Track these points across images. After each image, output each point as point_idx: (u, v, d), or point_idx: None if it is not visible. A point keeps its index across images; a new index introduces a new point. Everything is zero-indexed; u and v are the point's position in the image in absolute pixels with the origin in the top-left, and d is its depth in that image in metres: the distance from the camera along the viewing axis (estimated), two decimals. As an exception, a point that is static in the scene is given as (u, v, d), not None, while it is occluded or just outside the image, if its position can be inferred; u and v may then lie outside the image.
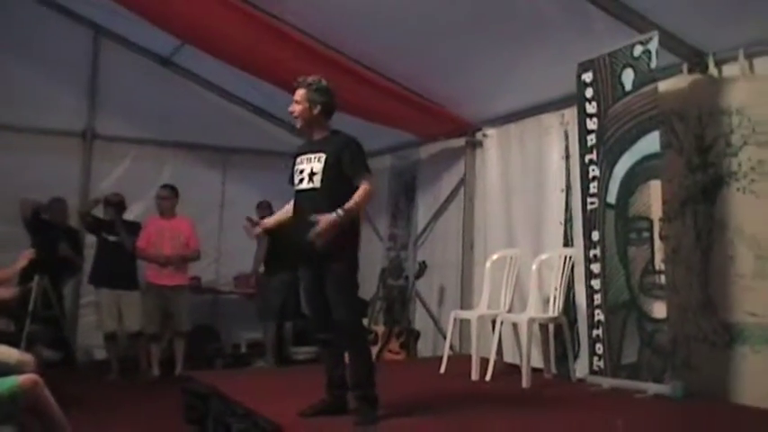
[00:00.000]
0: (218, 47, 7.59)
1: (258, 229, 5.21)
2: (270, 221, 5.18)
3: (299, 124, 4.70)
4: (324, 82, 4.67)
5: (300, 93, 4.63)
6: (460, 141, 8.07)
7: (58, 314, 7.63)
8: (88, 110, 9.09)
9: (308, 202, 4.54)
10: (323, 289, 4.56)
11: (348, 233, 4.51)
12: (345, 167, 4.54)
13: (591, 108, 5.76)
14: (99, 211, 8.13)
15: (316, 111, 4.62)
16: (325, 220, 4.32)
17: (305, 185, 4.58)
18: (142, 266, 8.19)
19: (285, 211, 4.93)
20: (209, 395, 5.52)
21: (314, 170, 4.56)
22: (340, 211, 4.34)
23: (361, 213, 4.85)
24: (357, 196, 4.46)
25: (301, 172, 4.62)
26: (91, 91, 9.07)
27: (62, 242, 8.09)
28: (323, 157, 4.56)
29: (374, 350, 7.77)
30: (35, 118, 8.48)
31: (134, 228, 8.12)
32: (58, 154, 8.78)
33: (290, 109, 4.68)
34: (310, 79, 4.65)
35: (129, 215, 8.30)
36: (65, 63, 8.80)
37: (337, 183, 4.51)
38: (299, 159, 4.68)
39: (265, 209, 8.29)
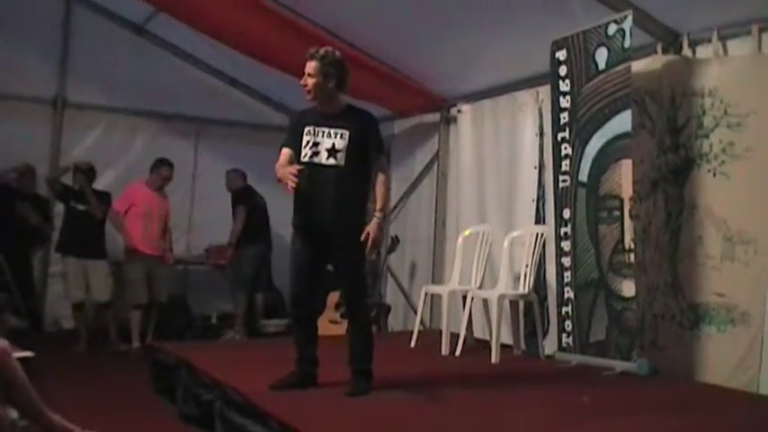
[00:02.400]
0: (191, 16, 7.51)
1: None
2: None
3: (310, 97, 4.60)
4: (337, 54, 4.59)
5: (313, 65, 4.51)
6: (435, 117, 8.07)
7: (10, 281, 7.53)
8: (59, 77, 8.92)
9: (327, 179, 4.47)
10: (317, 268, 4.66)
11: (361, 210, 4.62)
12: (371, 148, 4.56)
13: (564, 86, 5.77)
14: (68, 179, 8.03)
15: (330, 84, 4.53)
16: (373, 230, 4.44)
17: (323, 161, 4.49)
18: (111, 235, 8.13)
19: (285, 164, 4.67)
20: (179, 366, 5.51)
21: (336, 147, 4.48)
22: (379, 215, 4.50)
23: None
24: (382, 192, 4.56)
25: (316, 145, 4.51)
26: (62, 58, 8.90)
27: (30, 210, 8.00)
28: (346, 134, 4.49)
29: (344, 324, 7.78)
30: (4, 84, 8.31)
31: (104, 197, 8.02)
32: (28, 121, 8.63)
33: (303, 82, 4.55)
34: (323, 51, 4.55)
35: (98, 184, 8.17)
36: (35, 29, 8.60)
37: (361, 162, 4.52)
38: (308, 129, 4.55)
39: (239, 175, 8.35)
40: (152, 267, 8.02)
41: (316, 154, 4.50)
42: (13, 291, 7.38)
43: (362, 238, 4.43)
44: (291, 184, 4.32)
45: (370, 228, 4.44)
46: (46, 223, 8.25)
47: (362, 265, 4.69)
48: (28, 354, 4.79)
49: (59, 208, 8.19)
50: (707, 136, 5.17)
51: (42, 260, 8.74)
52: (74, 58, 8.93)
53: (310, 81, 4.52)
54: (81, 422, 3.94)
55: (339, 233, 4.51)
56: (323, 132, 4.52)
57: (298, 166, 4.40)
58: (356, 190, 4.52)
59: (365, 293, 4.83)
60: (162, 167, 8.19)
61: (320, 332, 4.92)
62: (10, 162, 8.07)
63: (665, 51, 5.49)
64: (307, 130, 4.56)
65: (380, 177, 4.58)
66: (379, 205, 4.53)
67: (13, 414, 3.84)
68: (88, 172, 7.95)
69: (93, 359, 7.31)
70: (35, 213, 8.06)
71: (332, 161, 4.47)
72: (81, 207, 7.85)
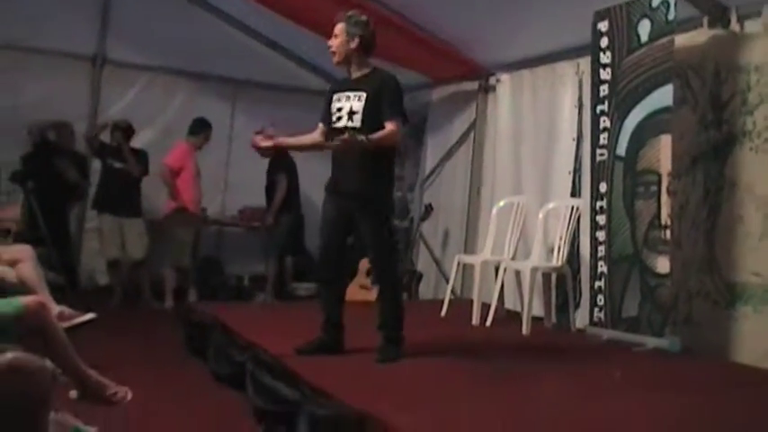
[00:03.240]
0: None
1: (268, 143, 5.01)
2: (288, 140, 5.13)
3: (335, 59, 4.62)
4: (363, 16, 4.61)
5: (339, 26, 4.57)
6: (473, 85, 8.00)
7: (47, 236, 7.63)
8: (99, 34, 8.95)
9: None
10: (345, 232, 4.68)
11: (384, 177, 4.60)
12: (383, 106, 4.49)
13: (605, 58, 5.69)
14: (106, 137, 8.09)
15: (353, 44, 4.55)
16: (346, 139, 4.29)
17: (343, 123, 4.53)
18: (147, 194, 8.23)
19: (306, 138, 4.88)
20: (212, 326, 5.57)
21: (353, 109, 4.52)
22: (364, 138, 4.30)
23: (396, 159, 4.80)
24: (381, 133, 4.41)
25: (339, 110, 4.57)
26: (103, 15, 8.92)
27: (68, 166, 8.08)
28: (363, 95, 4.52)
29: (375, 290, 7.80)
30: (45, 39, 8.34)
31: (141, 155, 8.09)
32: (68, 77, 8.68)
33: (329, 43, 4.61)
34: (349, 13, 4.60)
35: (135, 142, 8.23)
36: (77, -17, 8.67)
37: (378, 123, 4.46)
38: (335, 97, 4.63)
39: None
40: (199, 229, 8.09)
41: (339, 119, 4.56)
42: (49, 246, 7.47)
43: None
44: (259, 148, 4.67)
45: (346, 137, 4.32)
46: (83, 179, 8.33)
47: (385, 231, 4.62)
48: (91, 316, 4.91)
49: (96, 165, 8.27)
50: (751, 113, 5.08)
51: (79, 216, 8.83)
52: (114, 16, 8.93)
53: (335, 41, 4.58)
54: (115, 377, 4.00)
55: (360, 197, 4.54)
56: (346, 97, 4.57)
57: (260, 137, 4.77)
58: (376, 153, 4.44)
59: (393, 259, 4.80)
60: (209, 130, 8.28)
61: (350, 297, 4.96)
62: (49, 117, 8.13)
63: (711, 25, 5.39)
64: (335, 96, 4.63)
65: (388, 125, 4.46)
66: (372, 136, 4.36)
67: (52, 366, 3.91)
68: (126, 130, 8.01)
69: (127, 315, 7.39)
70: (73, 169, 8.13)
71: (349, 123, 4.50)
72: (118, 165, 7.93)
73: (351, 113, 4.51)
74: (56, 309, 4.78)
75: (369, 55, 4.65)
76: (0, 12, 8.04)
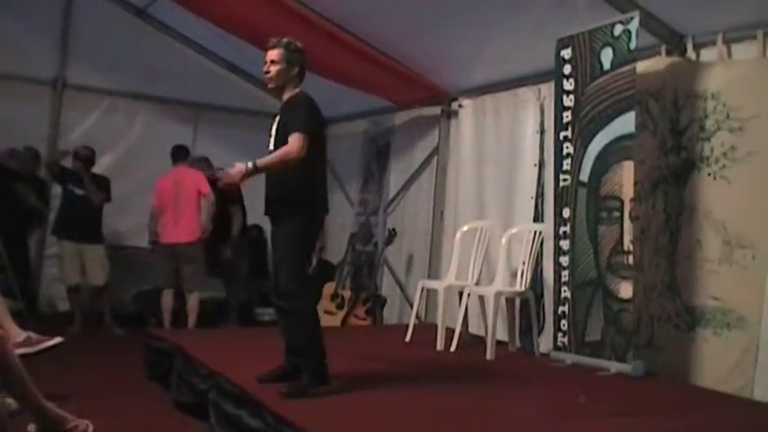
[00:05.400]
0: (193, 1, 7.48)
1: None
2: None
3: (272, 85, 4.58)
4: (299, 43, 4.60)
5: (277, 53, 4.51)
6: (435, 110, 8.04)
7: (7, 263, 7.52)
8: (60, 58, 8.92)
9: None
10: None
11: (296, 194, 4.42)
12: (288, 124, 4.38)
13: (568, 85, 5.75)
14: (68, 162, 8.01)
15: (293, 72, 4.54)
16: (235, 169, 4.22)
17: (270, 148, 4.53)
18: (108, 220, 8.17)
19: None
20: (174, 353, 5.51)
21: (271, 132, 4.55)
22: (250, 164, 4.21)
23: (316, 175, 4.53)
24: (274, 154, 4.35)
25: (270, 135, 4.58)
26: (63, 39, 8.88)
27: (27, 192, 7.98)
28: (278, 118, 4.54)
29: (340, 315, 7.80)
30: (5, 64, 8.31)
31: (103, 182, 8.02)
32: (28, 102, 8.63)
33: (266, 69, 4.55)
34: (286, 40, 4.55)
35: (97, 168, 8.17)
36: (37, 9, 8.58)
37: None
38: (274, 122, 4.61)
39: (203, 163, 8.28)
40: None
41: (268, 144, 4.57)
42: (8, 271, 7.36)
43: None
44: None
45: (235, 167, 4.24)
46: (43, 205, 8.24)
47: (289, 248, 4.42)
48: (58, 340, 4.84)
49: (57, 190, 8.18)
50: (708, 139, 5.16)
51: (39, 242, 8.73)
52: (75, 40, 8.92)
53: (273, 68, 4.50)
54: (75, 406, 3.96)
55: (273, 218, 4.57)
56: (275, 121, 4.57)
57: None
58: (285, 175, 4.36)
59: (298, 280, 4.42)
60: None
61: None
62: (9, 142, 8.05)
63: (669, 53, 5.48)
64: (274, 122, 4.60)
65: (283, 147, 4.32)
66: (260, 159, 4.28)
67: (10, 400, 3.85)
68: (86, 160, 7.92)
69: (88, 342, 7.28)
70: (32, 195, 8.05)
71: (269, 148, 4.51)
72: (79, 192, 7.84)
73: (270, 137, 4.55)
74: (22, 334, 4.73)
75: (302, 81, 4.62)
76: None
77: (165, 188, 7.87)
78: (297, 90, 4.57)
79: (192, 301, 7.83)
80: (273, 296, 4.60)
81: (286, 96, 4.58)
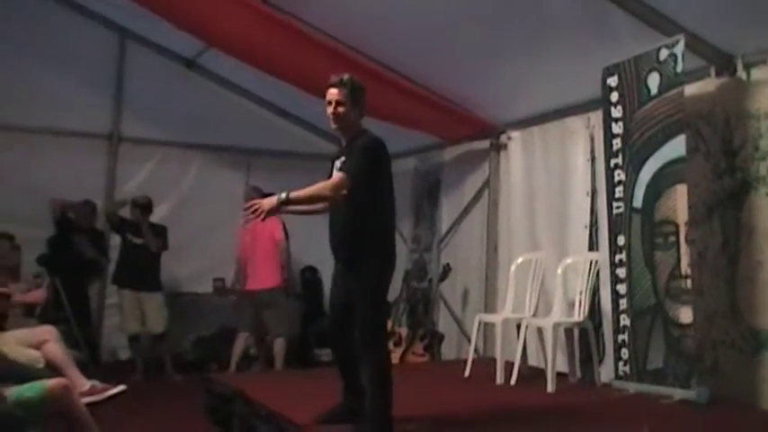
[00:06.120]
0: (242, 49, 7.65)
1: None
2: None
3: (336, 125, 4.44)
4: (359, 80, 4.45)
5: (341, 92, 4.35)
6: (484, 144, 8.05)
7: (70, 314, 7.68)
8: (114, 112, 9.14)
9: (338, 207, 4.40)
10: (347, 294, 4.41)
11: (373, 238, 4.34)
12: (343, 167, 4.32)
13: (616, 112, 5.73)
14: (125, 212, 8.19)
15: (358, 111, 4.44)
16: (267, 199, 4.14)
17: None
18: (166, 268, 8.27)
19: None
20: (234, 397, 5.54)
21: (332, 173, 4.43)
22: (283, 195, 4.10)
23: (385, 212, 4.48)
24: (309, 188, 4.22)
25: (330, 177, 4.40)
26: (117, 93, 9.12)
27: (86, 244, 8.16)
28: (344, 158, 4.42)
29: (398, 353, 7.78)
30: (62, 120, 8.58)
31: (160, 230, 8.17)
32: (85, 155, 8.86)
33: (333, 110, 4.37)
34: (348, 77, 4.39)
35: (153, 217, 8.33)
36: (91, 66, 8.88)
37: (360, 189, 4.26)
38: (336, 165, 4.46)
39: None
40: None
41: None
42: (71, 322, 7.51)
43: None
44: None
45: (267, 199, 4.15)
46: (101, 257, 8.40)
47: (372, 296, 4.31)
48: (121, 388, 4.95)
49: (116, 240, 8.35)
50: (764, 158, 5.08)
51: (99, 292, 8.89)
52: (128, 93, 9.16)
53: (341, 109, 4.36)
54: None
55: (344, 263, 4.46)
56: (340, 162, 4.42)
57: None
58: (356, 219, 4.30)
59: (377, 326, 4.36)
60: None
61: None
62: (67, 196, 8.25)
63: (718, 74, 5.42)
64: (336, 165, 4.47)
65: (320, 183, 4.27)
66: (294, 192, 4.15)
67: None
68: (145, 207, 8.12)
69: (150, 389, 7.37)
70: (90, 247, 8.22)
71: None
72: (137, 241, 8.01)
73: None
74: (87, 384, 4.84)
75: (362, 118, 4.53)
76: (18, 96, 8.26)
77: (243, 237, 8.08)
78: (361, 129, 4.47)
79: (278, 345, 7.96)
80: (329, 339, 4.59)
81: (349, 135, 4.48)
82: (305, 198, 4.23)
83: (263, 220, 4.19)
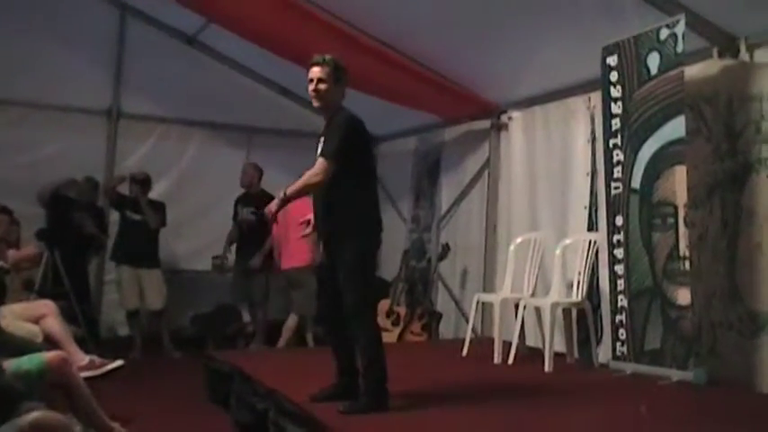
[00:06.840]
0: (243, 26, 7.59)
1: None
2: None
3: (319, 104, 4.50)
4: (340, 60, 4.51)
5: (325, 71, 4.42)
6: (485, 124, 8.02)
7: (69, 290, 7.67)
8: (114, 88, 9.11)
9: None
10: (335, 275, 4.42)
11: (357, 217, 4.39)
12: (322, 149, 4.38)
13: (615, 92, 5.71)
14: (124, 189, 8.18)
15: (340, 90, 4.49)
16: (272, 202, 4.32)
17: None
18: (165, 244, 8.30)
19: None
20: (232, 374, 5.56)
21: (317, 153, 4.45)
22: (281, 193, 4.29)
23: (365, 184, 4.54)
24: (298, 182, 4.34)
25: (316, 156, 4.47)
26: (116, 69, 9.08)
27: (85, 220, 8.15)
28: (322, 138, 4.49)
29: (396, 332, 7.80)
30: (61, 96, 8.56)
31: (158, 207, 8.17)
32: (84, 131, 8.84)
33: (313, 87, 4.44)
34: (330, 57, 4.45)
35: (152, 193, 8.32)
36: (91, 41, 8.82)
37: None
38: (319, 141, 4.53)
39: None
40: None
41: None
42: (70, 297, 7.52)
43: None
44: None
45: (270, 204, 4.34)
46: (101, 233, 8.40)
47: (360, 274, 4.36)
48: (119, 362, 4.97)
49: (115, 217, 8.35)
50: (766, 141, 5.06)
51: (98, 268, 8.89)
52: (128, 70, 9.11)
53: (322, 86, 4.42)
54: (138, 428, 4.01)
55: (328, 240, 4.52)
56: (321, 143, 4.49)
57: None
58: (336, 195, 4.36)
59: (366, 303, 4.47)
60: None
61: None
62: (67, 172, 8.22)
63: (721, 56, 5.39)
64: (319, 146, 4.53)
65: (306, 173, 4.35)
66: (290, 188, 4.32)
67: (75, 423, 3.92)
68: (144, 183, 8.11)
69: (148, 365, 7.39)
70: (90, 222, 8.21)
71: None
72: (136, 217, 8.02)
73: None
74: (85, 358, 4.86)
75: (343, 99, 4.57)
76: (18, 71, 8.22)
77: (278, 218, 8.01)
78: (340, 109, 4.52)
79: (291, 321, 7.92)
80: (319, 319, 4.62)
81: (329, 115, 4.53)
82: (300, 191, 4.37)
83: (274, 221, 4.45)
